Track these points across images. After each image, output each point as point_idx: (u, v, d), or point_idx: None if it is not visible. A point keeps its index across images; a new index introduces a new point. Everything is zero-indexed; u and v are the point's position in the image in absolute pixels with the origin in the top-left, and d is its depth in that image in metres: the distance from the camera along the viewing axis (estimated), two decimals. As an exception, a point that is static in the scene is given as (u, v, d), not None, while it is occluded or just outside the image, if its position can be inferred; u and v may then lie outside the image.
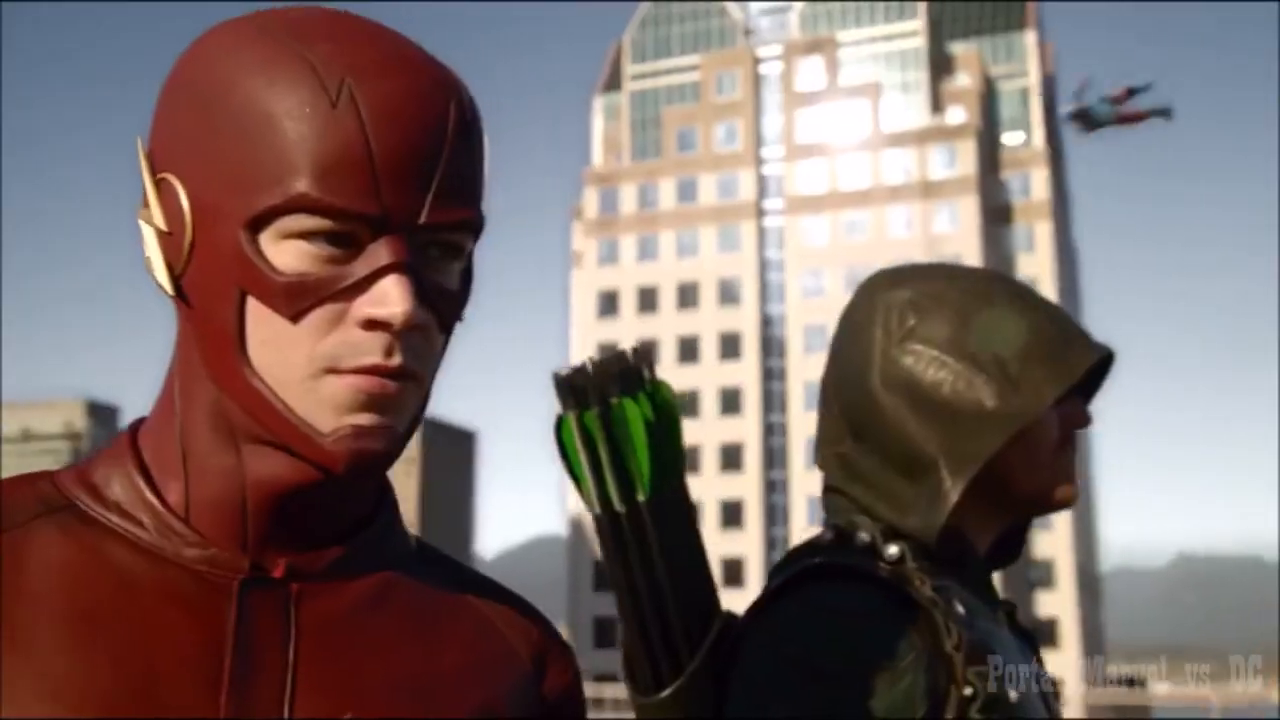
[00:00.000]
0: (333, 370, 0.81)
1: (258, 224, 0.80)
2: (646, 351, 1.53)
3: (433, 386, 0.88)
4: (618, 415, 1.43)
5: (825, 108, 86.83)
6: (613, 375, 1.44)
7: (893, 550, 1.39)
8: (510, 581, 1.18)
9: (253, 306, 0.81)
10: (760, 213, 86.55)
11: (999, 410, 1.39)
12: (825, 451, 1.51)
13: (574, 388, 1.45)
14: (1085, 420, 1.48)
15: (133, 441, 0.89)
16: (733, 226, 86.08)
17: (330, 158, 0.78)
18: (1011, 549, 1.57)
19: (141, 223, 0.85)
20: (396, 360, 0.80)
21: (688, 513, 1.49)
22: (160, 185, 0.84)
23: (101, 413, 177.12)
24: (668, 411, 1.49)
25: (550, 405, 1.63)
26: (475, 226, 0.85)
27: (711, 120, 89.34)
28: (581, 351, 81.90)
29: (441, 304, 0.84)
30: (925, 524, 1.39)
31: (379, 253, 0.80)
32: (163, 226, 0.83)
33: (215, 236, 0.81)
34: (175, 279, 0.84)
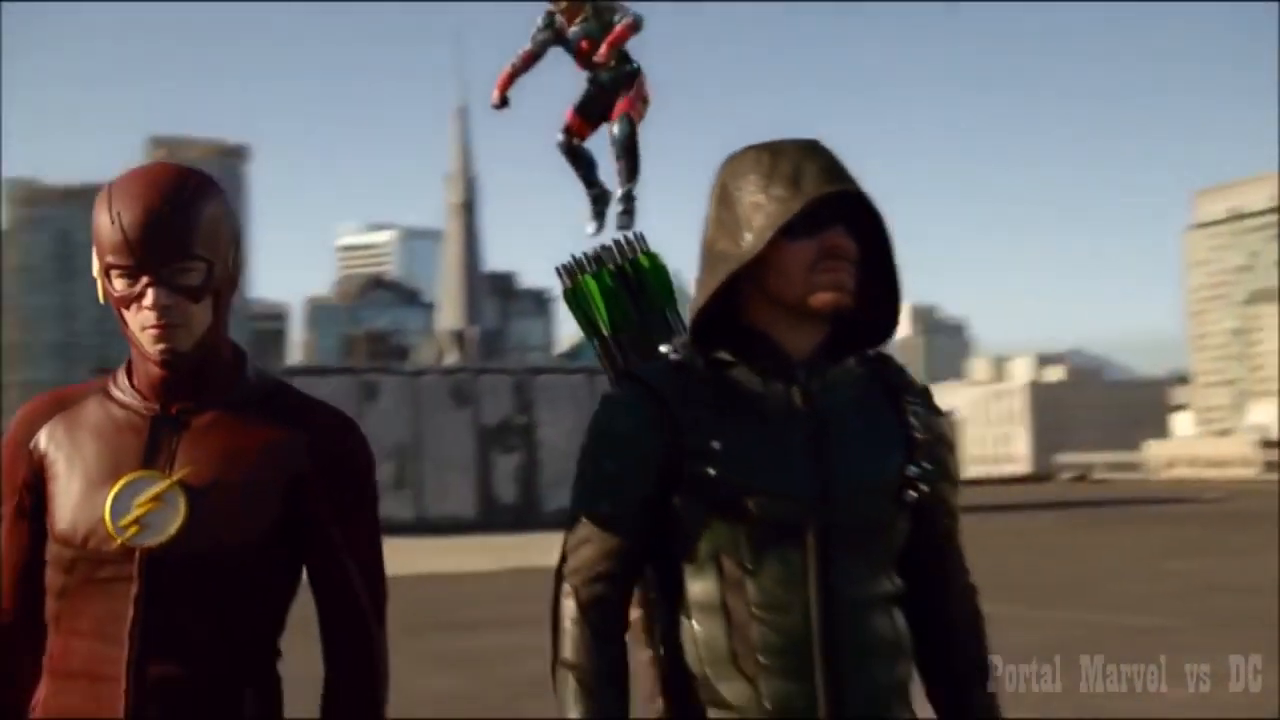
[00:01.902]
0: (144, 329, 1.95)
1: (107, 274, 1.95)
2: (632, 243, 2.52)
3: (225, 309, 2.02)
4: (582, 288, 2.51)
5: None
6: (581, 261, 2.52)
7: (673, 356, 2.01)
8: None
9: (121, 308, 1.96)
10: None
11: (731, 253, 1.94)
12: None
13: (567, 270, 2.52)
14: (835, 245, 1.91)
15: (130, 357, 2.06)
16: None
17: (112, 246, 1.92)
18: (877, 333, 2.04)
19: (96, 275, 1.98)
20: (163, 321, 1.93)
21: (652, 342, 2.29)
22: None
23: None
24: (653, 276, 2.48)
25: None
26: (195, 258, 1.94)
27: None
28: None
29: (186, 293, 1.94)
30: (687, 342, 2.01)
31: (143, 279, 1.93)
32: (96, 277, 1.98)
33: (104, 282, 1.97)
34: (106, 299, 1.98)
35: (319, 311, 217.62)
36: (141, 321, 1.94)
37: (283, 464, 2.02)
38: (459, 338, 32.93)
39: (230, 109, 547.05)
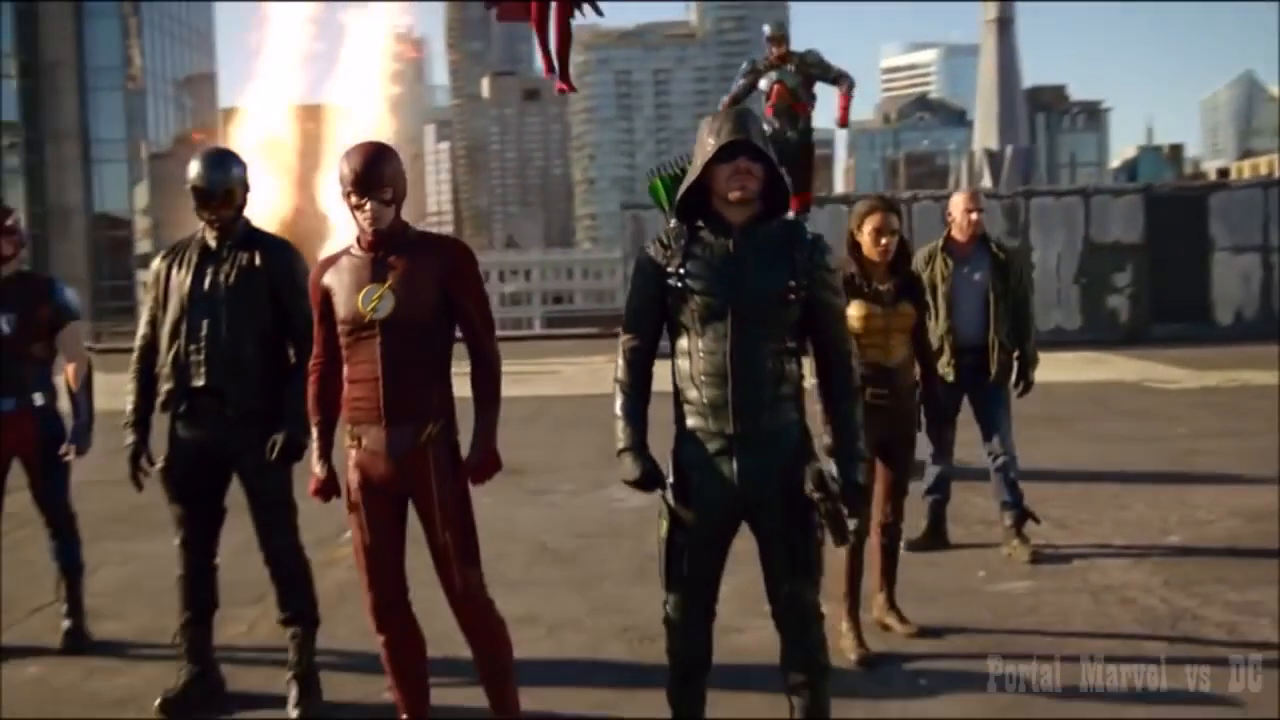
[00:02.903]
0: (364, 219, 4.02)
1: (346, 196, 4.02)
2: (682, 158, 4.68)
3: (400, 208, 4.08)
4: (653, 183, 5.07)
5: None
6: (655, 169, 5.10)
7: (671, 227, 3.77)
8: None
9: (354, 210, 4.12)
10: None
11: (691, 172, 3.71)
12: None
13: (651, 171, 5.18)
14: (739, 167, 3.59)
15: (358, 233, 4.19)
16: None
17: (349, 183, 3.98)
18: (778, 207, 3.76)
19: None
20: (373, 217, 3.99)
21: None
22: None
23: None
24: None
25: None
26: (385, 187, 3.98)
27: None
28: None
29: (385, 203, 3.99)
30: (674, 222, 3.79)
31: (364, 198, 3.98)
32: (341, 198, 4.09)
33: (345, 199, 4.05)
34: (346, 205, 4.08)
35: (861, 136, 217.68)
36: (363, 217, 3.98)
37: (435, 271, 4.01)
38: (992, 157, 32.45)
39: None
